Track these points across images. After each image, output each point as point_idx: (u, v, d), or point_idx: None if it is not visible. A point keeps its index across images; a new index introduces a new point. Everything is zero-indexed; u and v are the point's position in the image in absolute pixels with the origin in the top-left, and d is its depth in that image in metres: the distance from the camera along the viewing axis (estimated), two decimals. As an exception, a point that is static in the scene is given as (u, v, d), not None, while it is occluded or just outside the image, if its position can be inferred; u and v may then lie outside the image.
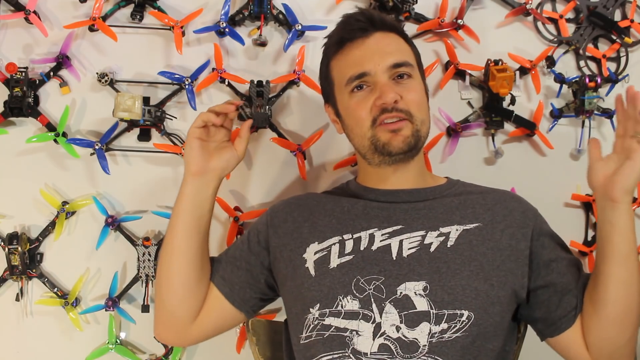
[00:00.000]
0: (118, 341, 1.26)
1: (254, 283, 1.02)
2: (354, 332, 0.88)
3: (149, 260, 1.25)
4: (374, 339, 0.87)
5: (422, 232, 0.95)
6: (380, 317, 0.87)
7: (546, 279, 0.94)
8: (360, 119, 0.98)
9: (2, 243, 1.25)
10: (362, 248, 0.94)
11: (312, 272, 0.94)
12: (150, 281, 1.26)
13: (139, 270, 1.26)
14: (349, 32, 1.01)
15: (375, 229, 0.96)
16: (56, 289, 1.27)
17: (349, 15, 1.03)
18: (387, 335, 0.86)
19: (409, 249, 0.93)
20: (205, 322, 1.01)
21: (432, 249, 0.93)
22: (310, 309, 0.92)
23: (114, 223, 1.26)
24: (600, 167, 0.89)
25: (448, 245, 0.93)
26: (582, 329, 0.92)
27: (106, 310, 1.25)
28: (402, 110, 0.96)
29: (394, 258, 0.92)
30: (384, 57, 0.97)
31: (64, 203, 1.27)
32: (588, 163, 0.91)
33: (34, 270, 1.26)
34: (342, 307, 0.90)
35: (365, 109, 0.97)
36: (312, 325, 0.91)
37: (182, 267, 0.98)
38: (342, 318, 0.89)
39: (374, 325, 0.87)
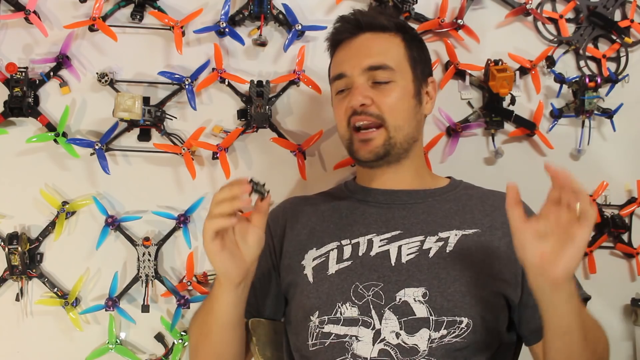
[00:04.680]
0: (118, 341, 1.26)
1: (275, 301, 1.02)
2: (354, 338, 0.87)
3: (149, 260, 1.25)
4: (373, 345, 0.86)
5: (420, 237, 0.94)
6: (380, 323, 0.87)
7: (524, 291, 0.92)
8: (339, 119, 1.01)
9: (2, 243, 1.25)
10: (360, 254, 0.94)
11: (311, 278, 0.94)
12: (150, 281, 1.26)
13: (139, 270, 1.26)
14: (337, 34, 1.04)
15: (374, 234, 0.96)
16: (56, 289, 1.27)
17: (341, 17, 1.05)
18: (387, 342, 0.86)
19: (407, 254, 0.92)
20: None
21: (431, 254, 0.92)
22: (311, 317, 0.91)
23: (114, 223, 1.26)
24: (533, 241, 0.75)
25: (447, 251, 0.93)
26: None
27: (106, 310, 1.25)
28: (372, 114, 0.96)
29: (393, 264, 0.92)
30: (361, 60, 0.98)
31: (64, 203, 1.27)
32: (512, 228, 0.77)
33: (34, 270, 1.26)
34: (341, 314, 0.89)
35: (343, 109, 0.99)
36: (314, 334, 0.91)
37: (231, 353, 0.94)
38: (341, 325, 0.89)
39: (373, 331, 0.87)
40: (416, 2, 1.31)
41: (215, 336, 0.91)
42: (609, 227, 1.31)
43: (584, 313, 0.82)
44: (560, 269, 0.73)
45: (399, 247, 0.93)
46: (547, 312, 0.79)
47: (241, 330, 0.94)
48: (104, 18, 1.29)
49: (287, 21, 1.30)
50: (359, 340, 0.87)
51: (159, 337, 1.28)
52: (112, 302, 1.25)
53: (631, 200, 1.35)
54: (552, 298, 0.77)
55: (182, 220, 1.27)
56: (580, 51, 1.36)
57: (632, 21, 1.38)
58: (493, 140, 1.33)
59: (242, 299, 0.89)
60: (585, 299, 0.96)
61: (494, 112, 1.31)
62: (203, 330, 0.93)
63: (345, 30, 1.02)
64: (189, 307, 1.26)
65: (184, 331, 1.27)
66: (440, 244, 0.93)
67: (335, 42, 1.04)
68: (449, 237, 0.94)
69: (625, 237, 1.34)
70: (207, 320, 0.91)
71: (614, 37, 1.38)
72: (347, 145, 1.01)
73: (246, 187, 0.81)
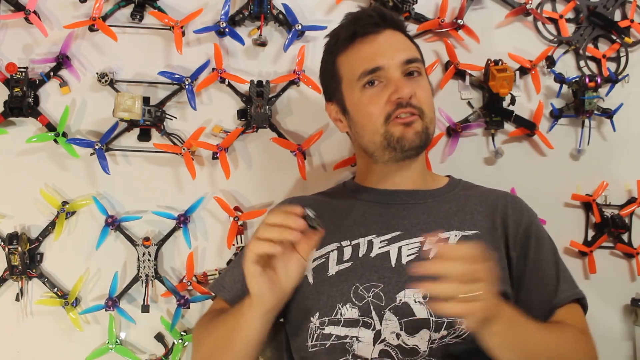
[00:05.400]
0: (118, 341, 1.26)
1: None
2: (354, 339, 0.87)
3: (149, 260, 1.25)
4: (374, 346, 0.86)
5: (420, 239, 0.94)
6: (380, 324, 0.87)
7: (514, 287, 0.93)
8: (372, 114, 0.96)
9: (2, 243, 1.25)
10: (360, 255, 0.94)
11: (311, 279, 0.94)
12: (150, 281, 1.26)
13: (139, 270, 1.26)
14: (361, 27, 0.99)
15: (374, 235, 0.96)
16: (56, 289, 1.27)
17: (361, 10, 1.03)
18: (388, 342, 0.86)
19: (408, 255, 0.92)
20: None
21: (432, 255, 0.92)
22: (311, 318, 0.91)
23: (114, 223, 1.26)
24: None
25: None
26: None
27: (106, 310, 1.25)
28: (416, 107, 0.95)
29: (393, 265, 0.91)
30: (397, 53, 0.97)
31: (64, 203, 1.27)
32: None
33: (34, 270, 1.26)
34: (341, 315, 0.89)
35: (379, 104, 0.95)
36: (315, 335, 0.90)
37: None
38: (342, 326, 0.89)
39: (374, 332, 0.87)
40: (416, 2, 1.31)
41: (237, 355, 0.89)
42: (609, 227, 1.31)
43: (535, 347, 0.80)
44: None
45: (399, 248, 0.93)
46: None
47: (260, 349, 0.92)
48: (104, 18, 1.29)
49: (287, 21, 1.30)
50: (360, 341, 0.87)
51: (159, 337, 1.28)
52: (112, 302, 1.25)
53: (631, 200, 1.35)
54: (483, 339, 0.76)
55: (182, 220, 1.27)
56: (580, 51, 1.36)
57: (632, 21, 1.38)
58: (493, 140, 1.33)
59: (269, 323, 0.88)
60: (579, 299, 0.95)
61: (494, 112, 1.31)
62: (222, 344, 0.90)
63: (372, 23, 0.99)
64: (189, 307, 1.26)
65: (184, 331, 1.27)
66: (440, 244, 0.93)
67: (356, 34, 0.99)
68: (449, 237, 0.94)
69: (625, 237, 1.34)
70: (229, 337, 0.89)
71: (614, 37, 1.38)
72: (385, 138, 0.96)
73: (300, 222, 0.78)
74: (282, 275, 0.84)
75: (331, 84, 1.04)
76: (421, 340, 0.85)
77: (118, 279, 1.27)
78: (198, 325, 1.02)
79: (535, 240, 0.96)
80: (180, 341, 1.26)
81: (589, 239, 1.34)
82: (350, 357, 0.87)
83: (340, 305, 0.90)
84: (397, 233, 0.95)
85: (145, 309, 1.26)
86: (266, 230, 0.79)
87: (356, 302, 0.89)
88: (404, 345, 0.85)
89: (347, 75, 1.00)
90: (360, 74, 0.97)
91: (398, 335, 0.86)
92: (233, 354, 0.89)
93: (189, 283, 1.26)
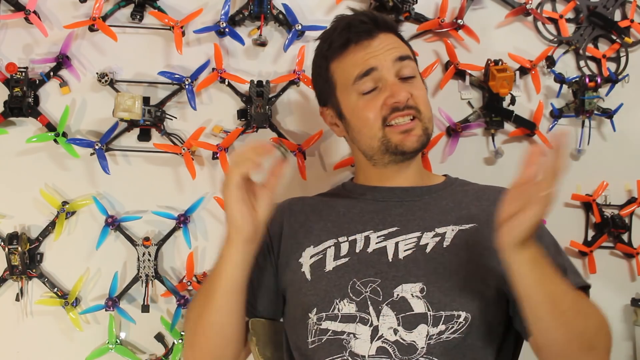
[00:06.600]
0: (118, 341, 1.26)
1: (274, 299, 1.00)
2: (352, 335, 0.87)
3: (149, 260, 1.25)
4: (371, 342, 0.86)
5: (417, 234, 0.94)
6: (378, 320, 0.87)
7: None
8: (369, 119, 0.97)
9: (2, 243, 1.25)
10: (357, 250, 0.94)
11: (308, 276, 0.94)
12: (150, 281, 1.26)
13: (139, 270, 1.26)
14: (355, 34, 0.99)
15: (371, 231, 0.96)
16: (56, 289, 1.27)
17: (353, 16, 1.01)
18: (385, 339, 0.86)
19: (404, 250, 0.92)
20: (242, 354, 0.99)
21: (428, 249, 0.92)
22: (309, 314, 0.91)
23: (114, 223, 1.26)
24: (507, 203, 0.78)
25: (444, 246, 0.93)
26: None
27: (106, 310, 1.25)
28: (413, 107, 0.96)
29: (390, 260, 0.92)
30: (388, 52, 0.98)
31: (64, 203, 1.27)
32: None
33: (34, 270, 1.26)
34: (338, 310, 0.89)
35: (375, 109, 0.96)
36: (313, 331, 0.91)
37: (234, 323, 0.92)
38: (339, 322, 0.89)
39: (371, 328, 0.87)
40: (416, 2, 1.31)
41: (220, 300, 0.89)
42: (609, 227, 1.31)
43: (557, 288, 0.80)
44: (504, 234, 0.77)
45: (396, 244, 0.93)
46: (511, 279, 0.80)
47: (244, 301, 0.93)
48: (104, 18, 1.29)
49: (287, 21, 1.30)
50: (357, 338, 0.87)
51: (159, 337, 1.28)
52: (112, 302, 1.25)
53: (631, 200, 1.35)
54: (512, 261, 0.79)
55: (182, 220, 1.27)
56: (580, 51, 1.36)
57: (632, 21, 1.38)
58: (493, 140, 1.33)
59: (248, 261, 0.89)
60: (583, 287, 0.93)
61: (494, 112, 1.31)
62: (205, 301, 0.91)
63: (364, 30, 0.99)
64: (189, 307, 1.26)
65: (184, 331, 1.27)
66: (437, 239, 0.93)
67: (350, 41, 0.99)
68: (445, 232, 0.94)
69: (625, 237, 1.34)
70: (211, 289, 0.90)
71: (614, 37, 1.38)
72: (382, 144, 0.97)
73: (269, 146, 0.81)
74: (255, 204, 0.87)
75: (325, 88, 1.04)
76: (419, 336, 0.85)
77: (118, 279, 1.27)
78: (193, 296, 1.02)
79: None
80: (180, 341, 1.26)
81: (589, 239, 1.34)
82: (348, 354, 0.87)
83: (337, 301, 0.90)
84: (394, 229, 0.95)
85: (145, 309, 1.26)
86: (241, 155, 0.84)
87: (353, 297, 0.89)
88: (401, 341, 0.85)
89: (341, 80, 1.01)
90: (355, 78, 0.98)
91: (396, 331, 0.86)
92: (215, 303, 0.89)
93: (189, 283, 1.26)
